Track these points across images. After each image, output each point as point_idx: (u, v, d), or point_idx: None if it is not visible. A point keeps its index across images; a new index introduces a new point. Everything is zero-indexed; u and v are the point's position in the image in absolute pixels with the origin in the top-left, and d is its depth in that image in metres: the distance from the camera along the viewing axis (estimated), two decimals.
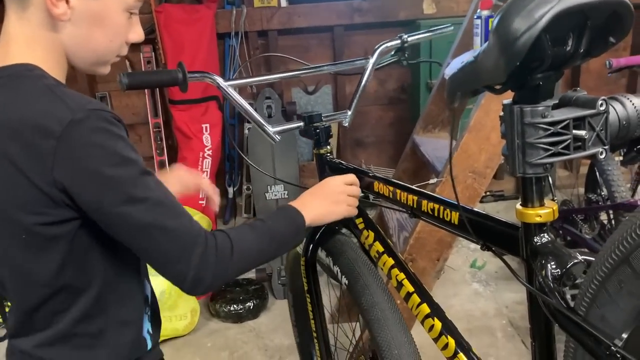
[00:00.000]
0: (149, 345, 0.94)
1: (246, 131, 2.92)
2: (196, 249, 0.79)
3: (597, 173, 2.43)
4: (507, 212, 3.18)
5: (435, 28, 1.46)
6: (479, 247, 0.88)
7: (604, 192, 2.47)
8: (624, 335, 0.60)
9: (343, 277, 1.21)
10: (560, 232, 2.54)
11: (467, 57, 2.20)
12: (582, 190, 2.68)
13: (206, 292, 0.85)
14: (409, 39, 1.37)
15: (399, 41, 1.37)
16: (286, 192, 2.83)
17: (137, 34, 0.89)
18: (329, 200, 1.08)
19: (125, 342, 0.90)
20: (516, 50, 0.63)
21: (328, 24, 2.95)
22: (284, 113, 2.91)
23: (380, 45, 1.35)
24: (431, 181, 2.42)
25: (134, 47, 2.94)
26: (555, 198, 2.51)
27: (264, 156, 2.82)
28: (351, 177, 1.14)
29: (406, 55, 1.37)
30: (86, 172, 0.75)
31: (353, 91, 1.33)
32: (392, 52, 1.39)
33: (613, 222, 2.38)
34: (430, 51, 2.83)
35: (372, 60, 1.32)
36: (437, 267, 1.92)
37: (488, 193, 3.34)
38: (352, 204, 1.12)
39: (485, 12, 1.84)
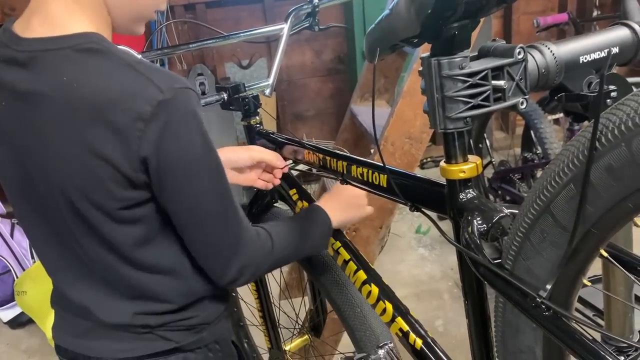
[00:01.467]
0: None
1: None
2: (245, 244, 0.81)
3: (532, 132, 2.49)
4: None
5: None
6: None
7: (539, 150, 2.53)
8: (548, 286, 0.59)
9: None
10: (499, 192, 2.60)
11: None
12: (518, 150, 2.73)
13: (239, 286, 0.87)
14: (319, 3, 1.35)
15: (309, 6, 1.34)
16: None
17: None
18: (354, 208, 1.10)
19: (219, 300, 0.91)
20: None
21: None
22: (218, 90, 2.82)
23: (293, 11, 1.32)
24: (372, 150, 2.42)
25: None
26: (493, 159, 2.55)
27: None
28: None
29: (316, 20, 1.34)
30: (172, 155, 0.72)
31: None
32: (303, 18, 1.36)
33: None
34: (364, 20, 2.80)
35: (286, 26, 1.28)
36: (380, 234, 1.92)
37: (429, 159, 3.38)
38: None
39: None
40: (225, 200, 0.79)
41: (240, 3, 2.88)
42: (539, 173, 2.53)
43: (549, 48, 0.74)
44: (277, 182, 1.20)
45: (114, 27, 0.80)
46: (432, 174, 3.23)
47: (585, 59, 0.75)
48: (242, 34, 1.26)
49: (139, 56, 1.13)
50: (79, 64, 0.70)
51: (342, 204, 1.07)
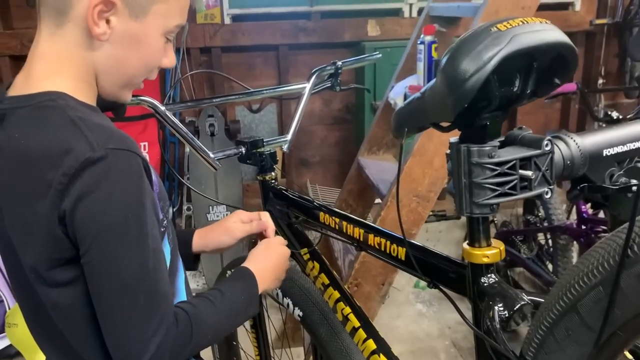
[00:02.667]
0: None
1: (187, 149, 2.84)
2: (157, 335, 0.73)
3: None
4: (448, 231, 3.23)
5: (365, 56, 1.52)
6: None
7: (541, 213, 2.54)
8: None
9: (296, 308, 1.18)
10: None
11: (410, 81, 2.18)
12: (520, 210, 2.75)
13: None
14: (342, 65, 1.38)
15: (332, 67, 1.38)
16: (228, 213, 2.76)
17: (170, 60, 0.85)
18: (279, 272, 1.03)
19: None
20: (465, 92, 0.62)
21: (273, 43, 2.92)
22: (227, 132, 2.84)
23: (316, 72, 1.36)
24: (377, 200, 2.42)
25: None
26: (495, 219, 2.54)
27: (206, 175, 2.74)
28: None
29: (338, 81, 1.38)
30: (88, 215, 0.69)
31: (298, 110, 1.33)
32: (326, 78, 1.39)
33: (550, 243, 2.45)
34: (375, 74, 2.85)
35: (308, 86, 1.32)
36: (382, 291, 1.91)
37: (431, 213, 3.38)
38: None
39: (428, 38, 1.86)
40: (141, 278, 0.72)
41: (254, 49, 2.94)
42: (540, 237, 2.54)
43: (574, 140, 0.75)
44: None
45: (100, 91, 0.81)
46: (433, 228, 3.24)
47: (609, 152, 0.76)
48: (265, 91, 1.29)
49: (162, 107, 1.15)
50: (32, 121, 0.73)
51: (273, 269, 1.01)
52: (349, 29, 2.96)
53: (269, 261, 1.01)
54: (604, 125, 2.58)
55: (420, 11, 2.92)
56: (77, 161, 0.68)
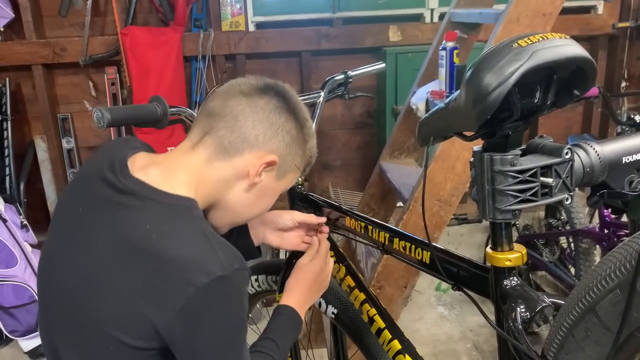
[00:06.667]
0: None
1: None
2: None
3: None
4: (470, 235, 3.24)
5: (371, 65, 1.59)
6: None
7: (564, 216, 2.54)
8: None
9: (329, 306, 1.22)
10: None
11: (432, 86, 2.19)
12: (542, 214, 2.75)
13: None
14: (352, 74, 1.46)
15: (342, 76, 1.43)
16: None
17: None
18: (319, 289, 1.09)
19: None
20: (488, 104, 0.66)
21: (295, 50, 2.97)
22: None
23: (329, 80, 1.41)
24: (398, 204, 2.45)
25: (98, 68, 2.90)
26: (517, 223, 2.54)
27: None
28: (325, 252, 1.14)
29: (347, 89, 1.45)
30: (205, 325, 0.77)
31: (321, 115, 1.40)
32: (336, 86, 1.45)
33: (572, 246, 2.46)
34: (396, 79, 2.88)
35: (322, 94, 1.37)
36: (404, 294, 1.94)
37: (452, 216, 3.39)
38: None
39: (450, 44, 1.89)
40: None
41: (278, 56, 3.00)
42: (562, 240, 2.54)
43: (593, 148, 0.78)
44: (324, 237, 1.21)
45: (210, 219, 0.91)
46: (455, 231, 3.25)
47: (628, 159, 0.79)
48: None
49: None
50: (165, 220, 0.79)
51: (309, 289, 1.07)
52: (371, 34, 2.99)
53: (303, 285, 1.06)
54: (627, 128, 2.58)
55: (441, 17, 2.94)
56: (208, 277, 0.75)
